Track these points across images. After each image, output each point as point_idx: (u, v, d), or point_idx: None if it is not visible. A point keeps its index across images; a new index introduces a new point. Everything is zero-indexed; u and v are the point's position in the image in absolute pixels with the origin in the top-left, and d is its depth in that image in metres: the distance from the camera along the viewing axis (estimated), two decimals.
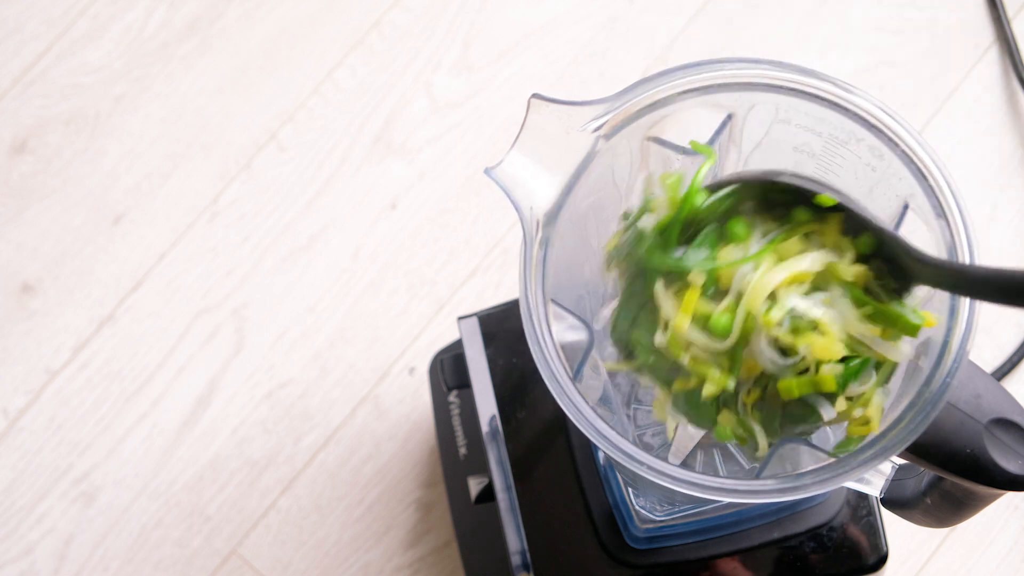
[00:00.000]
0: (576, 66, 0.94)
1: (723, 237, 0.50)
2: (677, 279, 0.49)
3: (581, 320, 0.50)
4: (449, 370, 0.74)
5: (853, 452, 0.48)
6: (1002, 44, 0.92)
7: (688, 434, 0.54)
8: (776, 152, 0.53)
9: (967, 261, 0.49)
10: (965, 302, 0.49)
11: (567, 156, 0.50)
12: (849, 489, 0.66)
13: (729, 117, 0.52)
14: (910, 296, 0.49)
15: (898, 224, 0.52)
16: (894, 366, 0.49)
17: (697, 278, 0.49)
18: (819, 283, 0.49)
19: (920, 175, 0.50)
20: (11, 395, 0.88)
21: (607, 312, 0.54)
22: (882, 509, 0.68)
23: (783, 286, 0.48)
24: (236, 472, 0.86)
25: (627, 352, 0.52)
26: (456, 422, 0.80)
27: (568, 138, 0.50)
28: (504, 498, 0.69)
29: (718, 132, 0.52)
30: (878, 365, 0.49)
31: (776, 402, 0.49)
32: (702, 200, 0.50)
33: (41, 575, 0.85)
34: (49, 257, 0.91)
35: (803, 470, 0.48)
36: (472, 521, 0.79)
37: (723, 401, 0.50)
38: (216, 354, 0.88)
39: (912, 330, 0.48)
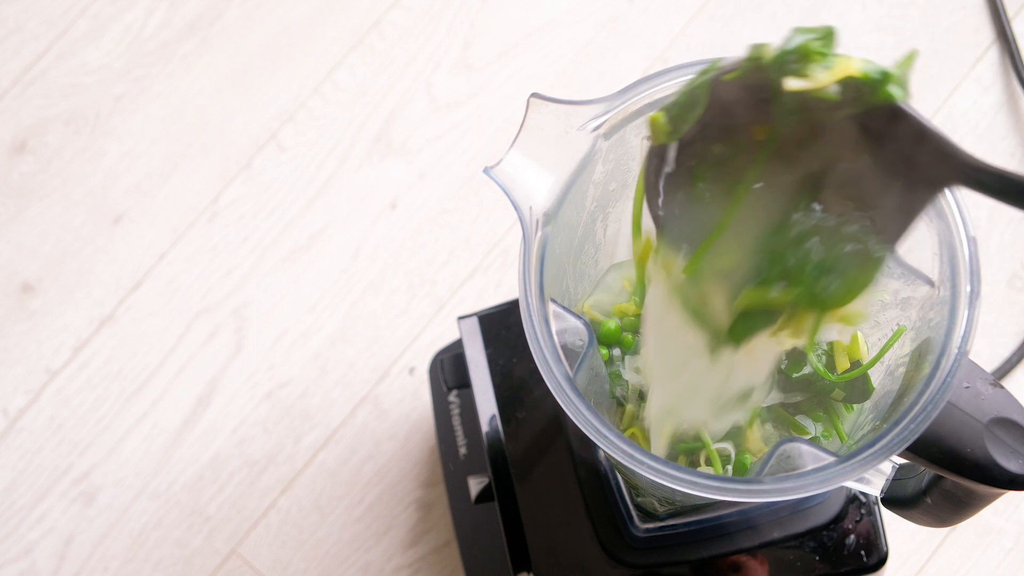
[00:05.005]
0: (576, 66, 0.94)
1: None
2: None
3: (581, 320, 0.50)
4: (449, 370, 0.74)
5: (853, 451, 0.48)
6: (1002, 44, 0.92)
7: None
8: None
9: (967, 261, 0.49)
10: (964, 305, 0.49)
11: (566, 155, 0.50)
12: (849, 489, 0.66)
13: None
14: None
15: None
16: None
17: None
18: None
19: None
20: (11, 395, 0.88)
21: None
22: (882, 509, 0.68)
23: None
24: (236, 472, 0.86)
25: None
26: (456, 422, 0.80)
27: (567, 137, 0.50)
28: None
29: None
30: None
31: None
32: None
33: (41, 575, 0.85)
34: (49, 257, 0.91)
35: (803, 470, 0.48)
36: (472, 521, 0.79)
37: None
38: (216, 354, 0.88)
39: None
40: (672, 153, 0.48)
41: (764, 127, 0.46)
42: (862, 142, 0.45)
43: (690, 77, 0.47)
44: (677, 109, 0.46)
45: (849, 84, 0.43)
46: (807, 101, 0.44)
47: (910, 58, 0.44)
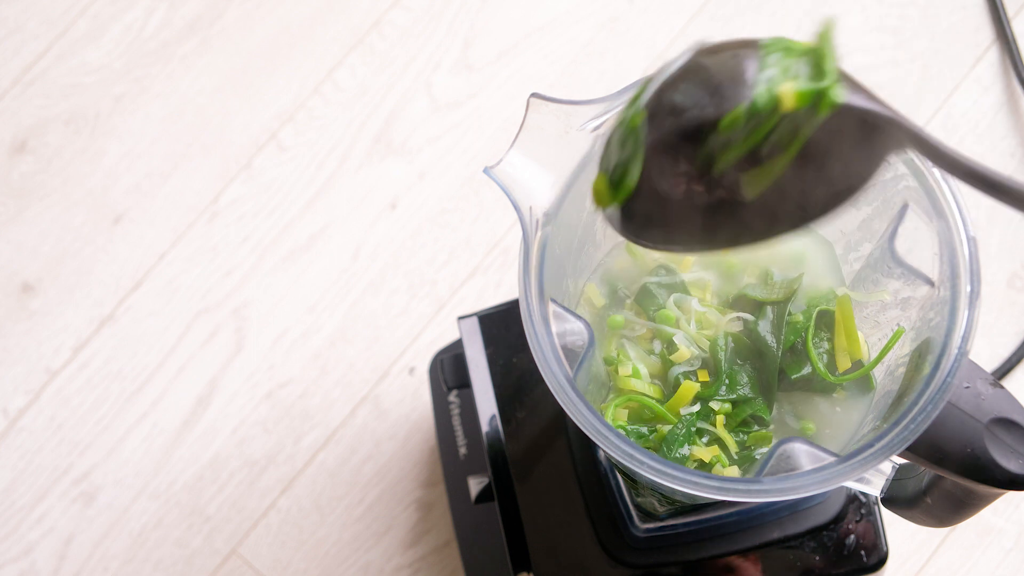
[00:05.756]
0: (576, 66, 0.94)
1: None
2: None
3: (581, 320, 0.50)
4: (449, 370, 0.74)
5: (853, 451, 0.48)
6: (1002, 44, 0.92)
7: None
8: None
9: (967, 261, 0.49)
10: (964, 305, 0.49)
11: (566, 155, 0.51)
12: (849, 489, 0.66)
13: None
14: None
15: (898, 223, 0.52)
16: None
17: None
18: None
19: (920, 174, 0.50)
20: (11, 395, 0.88)
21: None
22: (882, 509, 0.68)
23: None
24: (236, 472, 0.86)
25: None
26: (456, 422, 0.80)
27: (567, 137, 0.50)
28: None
29: None
30: None
31: None
32: None
33: (41, 575, 0.85)
34: (49, 257, 0.91)
35: (803, 470, 0.48)
36: (472, 521, 0.79)
37: None
38: (216, 354, 0.88)
39: None
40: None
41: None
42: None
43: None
44: (619, 171, 0.43)
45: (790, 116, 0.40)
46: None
47: (828, 30, 0.41)
